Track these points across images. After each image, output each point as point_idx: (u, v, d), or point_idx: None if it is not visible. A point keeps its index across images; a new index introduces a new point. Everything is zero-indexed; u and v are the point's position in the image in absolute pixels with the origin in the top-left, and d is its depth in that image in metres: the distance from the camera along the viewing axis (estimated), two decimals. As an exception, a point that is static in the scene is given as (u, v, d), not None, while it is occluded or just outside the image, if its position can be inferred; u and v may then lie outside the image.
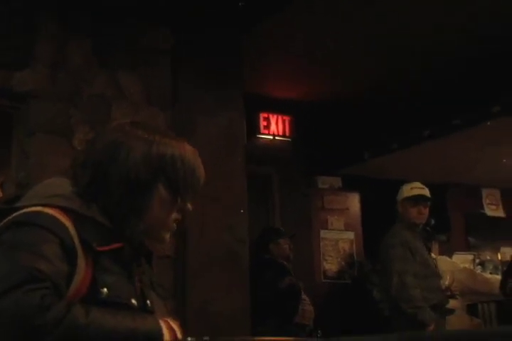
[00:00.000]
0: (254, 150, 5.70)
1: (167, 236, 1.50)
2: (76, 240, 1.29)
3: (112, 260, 1.35)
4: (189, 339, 1.36)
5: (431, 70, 5.52)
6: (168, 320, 1.37)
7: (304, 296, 4.98)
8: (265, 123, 6.54)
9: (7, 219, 1.31)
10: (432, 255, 4.73)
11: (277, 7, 4.31)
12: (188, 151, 1.48)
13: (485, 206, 7.66)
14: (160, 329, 1.31)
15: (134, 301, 1.37)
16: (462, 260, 6.56)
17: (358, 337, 1.89)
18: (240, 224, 4.27)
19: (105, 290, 1.30)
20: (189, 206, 1.52)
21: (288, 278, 4.97)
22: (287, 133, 6.66)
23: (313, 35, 4.99)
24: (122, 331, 1.24)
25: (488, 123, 5.53)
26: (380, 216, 4.60)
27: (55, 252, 1.24)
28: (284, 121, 6.62)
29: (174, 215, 1.48)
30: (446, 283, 4.22)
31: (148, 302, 1.47)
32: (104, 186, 1.38)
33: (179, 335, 1.35)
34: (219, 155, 4.36)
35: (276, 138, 6.63)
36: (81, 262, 1.28)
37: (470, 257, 6.95)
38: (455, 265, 5.91)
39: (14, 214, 1.32)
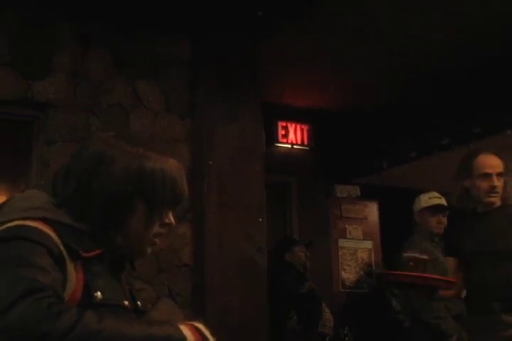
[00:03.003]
0: (272, 158, 5.70)
1: (147, 250, 1.48)
2: (62, 248, 1.29)
3: (100, 264, 1.36)
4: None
5: (451, 78, 5.50)
6: (194, 323, 1.34)
7: (323, 305, 4.96)
8: (283, 132, 6.55)
9: None
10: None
11: (297, 16, 4.32)
12: (170, 165, 1.46)
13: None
14: (180, 334, 1.28)
15: (126, 302, 1.39)
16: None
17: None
18: (259, 233, 4.26)
19: (99, 293, 1.30)
20: (172, 220, 1.49)
21: (307, 284, 4.97)
22: (306, 142, 6.65)
23: (332, 45, 4.99)
24: (138, 336, 1.23)
25: (509, 132, 5.49)
26: (398, 225, 4.58)
27: (47, 262, 1.24)
28: (302, 130, 6.63)
29: (156, 230, 1.46)
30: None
31: (138, 303, 1.48)
32: (85, 198, 1.38)
33: (210, 337, 1.33)
34: (237, 163, 4.37)
35: (295, 146, 6.63)
36: (71, 269, 1.29)
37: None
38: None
39: None
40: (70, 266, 1.29)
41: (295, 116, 6.58)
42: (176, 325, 1.31)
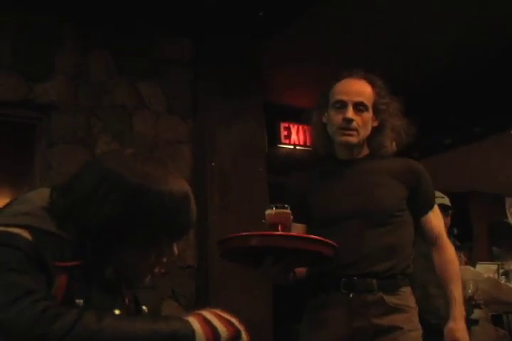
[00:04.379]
0: (275, 159, 5.69)
1: (145, 280, 1.43)
2: (44, 254, 1.27)
3: (88, 270, 1.31)
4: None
5: (452, 77, 5.49)
6: (203, 314, 1.29)
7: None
8: (286, 133, 6.54)
9: None
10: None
11: (298, 16, 4.32)
12: (177, 193, 1.36)
13: (508, 215, 7.59)
14: (188, 328, 1.24)
15: (117, 311, 1.33)
16: (486, 270, 6.48)
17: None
18: (261, 234, 4.25)
19: (81, 301, 1.27)
20: (174, 251, 1.43)
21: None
22: (308, 143, 6.65)
23: (334, 44, 4.98)
24: (142, 334, 1.21)
25: None
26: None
27: (31, 267, 1.23)
28: (304, 131, 6.61)
29: (155, 260, 1.40)
30: (470, 292, 4.17)
31: (144, 308, 1.44)
32: (78, 221, 1.32)
33: (220, 327, 1.27)
34: (239, 164, 4.36)
35: (297, 147, 6.62)
36: (53, 274, 1.26)
37: (494, 267, 6.86)
38: (478, 275, 5.83)
39: None
40: (53, 272, 1.26)
41: (297, 116, 6.56)
42: (184, 318, 1.27)
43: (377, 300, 2.20)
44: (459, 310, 2.31)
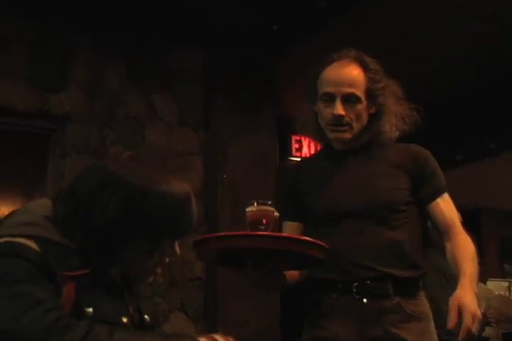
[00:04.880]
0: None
1: (147, 279, 1.44)
2: (51, 264, 1.27)
3: (95, 279, 1.32)
4: None
5: (464, 92, 5.49)
6: (214, 336, 1.28)
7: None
8: (297, 146, 6.54)
9: None
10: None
11: (311, 29, 4.34)
12: (177, 194, 1.38)
13: (520, 231, 7.54)
14: None
15: (124, 319, 1.33)
16: (497, 287, 6.44)
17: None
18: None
19: (90, 309, 1.27)
20: (176, 251, 1.44)
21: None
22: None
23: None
24: None
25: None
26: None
27: (38, 277, 1.23)
28: (316, 144, 6.61)
29: (158, 260, 1.42)
30: (481, 308, 4.14)
31: (146, 317, 1.44)
32: (82, 224, 1.33)
33: None
34: (251, 177, 4.37)
35: (309, 160, 6.61)
36: (61, 283, 1.26)
37: (505, 284, 6.81)
38: (489, 292, 5.79)
39: None
40: (60, 281, 1.26)
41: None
42: (194, 337, 1.27)
43: (394, 307, 1.98)
44: (468, 282, 1.93)
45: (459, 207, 4.40)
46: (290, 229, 2.16)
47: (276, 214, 1.93)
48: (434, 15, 4.32)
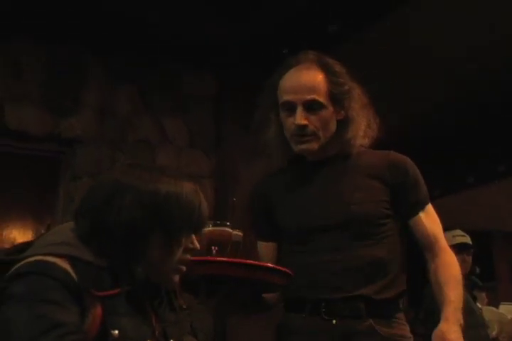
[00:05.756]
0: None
1: (174, 278, 1.44)
2: (79, 284, 1.27)
3: (123, 301, 1.32)
4: None
5: (478, 115, 5.48)
6: None
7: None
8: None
9: (10, 272, 1.30)
10: (478, 305, 4.61)
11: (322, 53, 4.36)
12: (185, 189, 1.42)
13: (532, 254, 7.47)
14: None
15: None
16: (509, 310, 6.37)
17: None
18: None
19: (116, 332, 1.26)
20: (196, 245, 1.46)
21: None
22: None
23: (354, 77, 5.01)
24: None
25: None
26: (423, 263, 4.52)
27: (64, 297, 1.23)
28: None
29: (180, 256, 1.42)
30: (494, 333, 4.10)
31: None
32: (103, 232, 1.35)
33: None
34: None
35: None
36: (88, 305, 1.26)
37: (517, 308, 6.75)
38: (502, 316, 5.73)
39: (16, 266, 1.30)
40: (88, 302, 1.27)
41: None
42: None
43: (366, 330, 1.80)
44: (453, 313, 1.79)
45: (470, 230, 4.39)
46: (264, 249, 2.04)
47: (236, 233, 1.85)
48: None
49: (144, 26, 4.13)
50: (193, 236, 1.46)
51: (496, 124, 5.46)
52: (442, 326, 1.77)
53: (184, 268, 1.46)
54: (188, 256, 1.45)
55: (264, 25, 4.20)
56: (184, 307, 1.55)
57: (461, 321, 1.80)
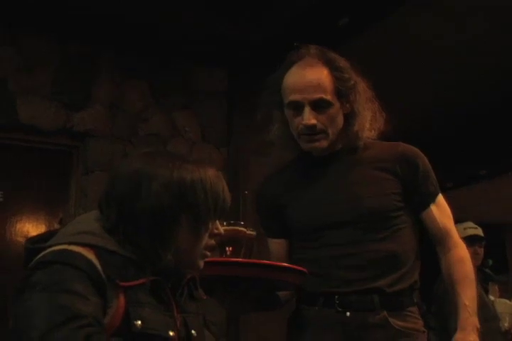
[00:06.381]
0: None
1: (200, 263, 1.45)
2: (103, 275, 1.27)
3: (145, 292, 1.33)
4: None
5: (487, 109, 5.46)
6: None
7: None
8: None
9: (35, 260, 1.31)
10: (490, 297, 4.60)
11: (331, 50, 4.35)
12: (210, 174, 1.43)
13: (545, 247, 7.44)
14: None
15: (171, 333, 1.33)
16: (522, 303, 6.35)
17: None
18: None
19: (139, 322, 1.27)
20: (220, 230, 1.48)
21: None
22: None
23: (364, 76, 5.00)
24: None
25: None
26: (434, 256, 4.52)
27: (87, 288, 1.23)
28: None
29: (206, 241, 1.44)
30: (506, 325, 4.09)
31: (193, 332, 1.43)
32: (130, 220, 1.36)
33: None
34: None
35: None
36: (112, 296, 1.27)
37: (530, 300, 6.72)
38: (512, 307, 5.72)
39: (41, 254, 1.31)
40: (111, 293, 1.27)
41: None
42: None
43: (380, 322, 1.79)
44: (469, 319, 1.79)
45: (482, 222, 4.37)
46: (275, 246, 2.03)
47: (250, 233, 1.84)
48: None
49: (156, 23, 4.13)
50: (217, 222, 1.48)
51: (506, 117, 5.43)
52: (458, 336, 1.78)
53: (209, 253, 1.46)
54: (213, 241, 1.46)
55: (275, 22, 4.19)
56: (204, 297, 1.55)
57: (478, 325, 1.80)
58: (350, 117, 1.91)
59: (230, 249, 1.76)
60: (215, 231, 1.46)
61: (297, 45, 2.00)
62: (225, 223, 1.75)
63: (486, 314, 3.98)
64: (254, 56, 4.46)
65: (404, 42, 4.40)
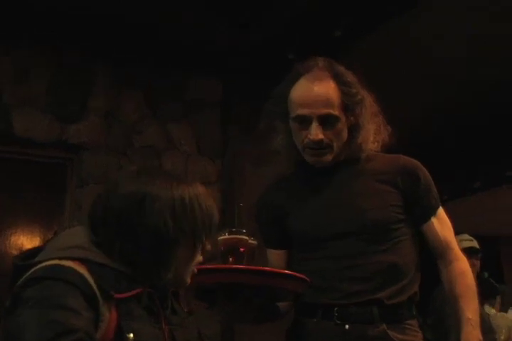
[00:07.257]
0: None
1: (188, 280, 1.47)
2: (95, 289, 1.28)
3: (136, 305, 1.33)
4: None
5: (483, 121, 5.47)
6: None
7: None
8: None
9: (25, 276, 1.30)
10: (492, 310, 4.59)
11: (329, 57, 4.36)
12: (202, 192, 1.48)
13: (541, 259, 7.44)
14: None
15: None
16: (518, 315, 6.34)
17: None
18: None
19: (131, 335, 1.27)
20: (208, 247, 1.50)
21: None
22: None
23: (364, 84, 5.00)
24: None
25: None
26: (431, 268, 4.51)
27: (79, 303, 1.23)
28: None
29: (197, 259, 1.47)
30: (502, 338, 4.08)
31: None
32: (129, 238, 1.36)
33: None
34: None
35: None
36: (104, 310, 1.27)
37: (526, 312, 6.71)
38: (511, 321, 5.71)
39: (32, 270, 1.31)
40: (103, 307, 1.27)
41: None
42: None
43: (379, 335, 1.77)
44: (472, 332, 1.80)
45: (478, 235, 4.36)
46: (274, 257, 2.02)
47: (252, 242, 1.84)
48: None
49: (151, 32, 4.14)
50: (207, 240, 1.49)
51: (506, 128, 5.45)
52: None
53: (195, 269, 1.48)
54: (201, 258, 1.49)
55: (270, 32, 4.20)
56: (185, 310, 1.56)
57: (481, 339, 1.81)
58: (354, 130, 1.92)
59: (233, 257, 1.76)
60: (207, 247, 1.49)
61: (292, 57, 2.01)
62: (227, 231, 1.79)
63: (482, 326, 3.95)
64: (250, 66, 4.46)
65: (404, 43, 4.40)
